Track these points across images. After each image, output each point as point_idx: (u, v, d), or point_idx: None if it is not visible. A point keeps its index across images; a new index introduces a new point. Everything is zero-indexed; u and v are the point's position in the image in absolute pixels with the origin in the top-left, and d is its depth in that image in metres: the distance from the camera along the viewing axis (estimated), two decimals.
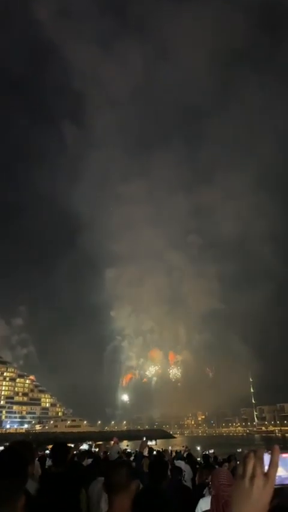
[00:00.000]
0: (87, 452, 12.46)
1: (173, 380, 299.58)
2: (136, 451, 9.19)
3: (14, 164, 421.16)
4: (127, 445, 46.45)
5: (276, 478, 1.02)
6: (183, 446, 24.53)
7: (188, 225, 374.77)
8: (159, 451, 15.06)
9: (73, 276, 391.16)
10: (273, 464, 1.03)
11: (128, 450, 18.42)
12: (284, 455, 1.10)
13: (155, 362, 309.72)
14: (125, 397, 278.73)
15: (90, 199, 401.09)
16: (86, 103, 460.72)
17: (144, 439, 7.23)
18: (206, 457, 13.35)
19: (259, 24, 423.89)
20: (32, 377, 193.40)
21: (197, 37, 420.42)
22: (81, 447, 18.54)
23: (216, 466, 11.23)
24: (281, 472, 1.07)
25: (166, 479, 4.62)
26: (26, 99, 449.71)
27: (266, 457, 1.06)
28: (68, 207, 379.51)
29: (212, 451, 21.45)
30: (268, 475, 1.01)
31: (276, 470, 1.03)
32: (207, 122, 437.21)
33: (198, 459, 14.67)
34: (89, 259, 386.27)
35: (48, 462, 10.24)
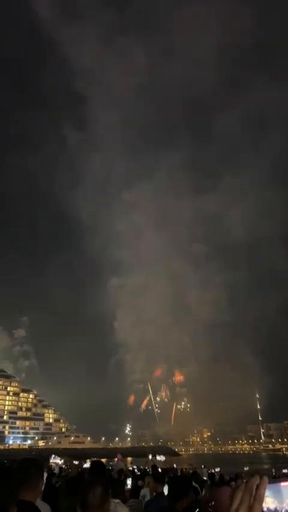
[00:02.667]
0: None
1: (179, 394, 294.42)
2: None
3: (11, 163, 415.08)
4: (131, 463, 45.81)
5: (267, 510, 0.98)
6: (190, 465, 24.17)
7: (193, 230, 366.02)
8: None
9: (75, 284, 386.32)
10: (258, 498, 0.98)
11: (132, 467, 18.20)
12: (284, 483, 1.00)
13: (160, 376, 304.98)
14: (127, 427, 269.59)
15: (93, 203, 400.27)
16: (87, 102, 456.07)
17: (150, 457, 7.25)
18: (211, 475, 13.23)
19: (268, 18, 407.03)
20: (34, 391, 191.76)
21: (203, 32, 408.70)
22: (85, 465, 18.25)
23: (224, 486, 11.12)
24: (272, 503, 1.00)
25: (187, 498, 4.50)
26: (26, 97, 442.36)
27: (270, 486, 0.99)
28: (69, 212, 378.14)
29: (218, 469, 21.13)
30: (252, 509, 0.98)
31: (260, 505, 0.98)
32: (213, 121, 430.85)
33: (204, 478, 14.49)
34: (92, 267, 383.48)
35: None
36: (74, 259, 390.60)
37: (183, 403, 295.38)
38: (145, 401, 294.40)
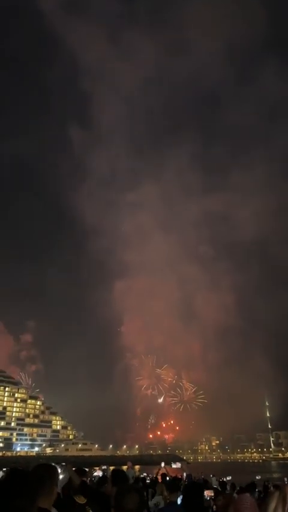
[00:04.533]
0: (106, 479, 12.26)
1: (187, 401, 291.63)
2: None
3: (14, 162, 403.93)
4: (138, 471, 45.37)
5: None
6: (201, 473, 23.87)
7: (201, 230, 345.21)
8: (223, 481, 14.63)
9: (79, 287, 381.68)
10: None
11: (143, 475, 18.04)
12: None
13: (168, 382, 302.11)
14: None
15: (97, 203, 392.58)
16: (92, 99, 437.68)
17: (163, 464, 7.21)
18: (223, 484, 13.10)
19: (278, 9, 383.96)
20: (41, 398, 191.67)
21: (212, 25, 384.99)
22: (95, 474, 18.00)
23: (234, 494, 10.99)
24: None
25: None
26: (30, 93, 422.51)
27: None
28: (74, 212, 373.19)
29: (229, 478, 20.86)
30: None
31: None
32: (222, 116, 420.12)
33: (215, 486, 14.33)
34: (97, 270, 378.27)
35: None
36: (78, 261, 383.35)
37: (192, 410, 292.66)
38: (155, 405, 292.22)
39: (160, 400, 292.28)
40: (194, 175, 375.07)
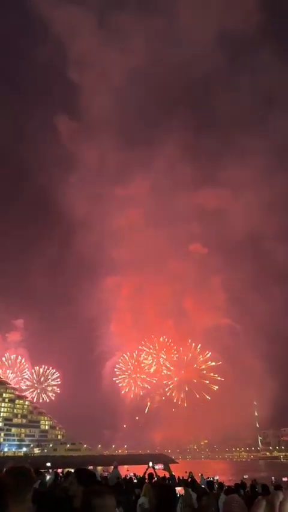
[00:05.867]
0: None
1: (176, 400, 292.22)
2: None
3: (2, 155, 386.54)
4: (127, 470, 45.21)
5: None
6: (186, 472, 23.76)
7: (192, 226, 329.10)
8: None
9: (67, 284, 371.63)
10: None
11: (129, 476, 17.83)
12: None
13: (157, 381, 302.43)
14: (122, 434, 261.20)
15: (86, 197, 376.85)
16: (80, 88, 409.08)
17: (151, 464, 7.01)
18: (210, 483, 12.96)
19: None
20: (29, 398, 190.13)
21: (204, 10, 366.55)
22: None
23: (222, 494, 10.85)
24: None
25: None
26: (13, 82, 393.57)
27: None
28: (61, 207, 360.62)
29: (217, 477, 20.78)
30: None
31: None
32: (214, 105, 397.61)
33: (203, 486, 14.18)
34: (85, 266, 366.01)
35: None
36: (65, 258, 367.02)
37: (180, 409, 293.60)
38: (142, 407, 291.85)
39: (148, 400, 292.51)
40: (185, 167, 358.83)
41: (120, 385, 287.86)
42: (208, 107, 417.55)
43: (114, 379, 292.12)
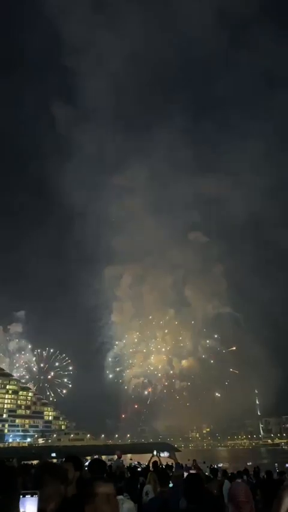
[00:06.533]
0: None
1: (178, 389, 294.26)
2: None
3: None
4: (130, 459, 45.69)
5: None
6: (188, 460, 23.97)
7: (193, 213, 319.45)
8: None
9: (67, 275, 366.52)
10: None
11: (134, 463, 17.99)
12: None
13: (159, 371, 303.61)
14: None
15: (84, 185, 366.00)
16: (76, 73, 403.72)
17: (155, 452, 7.01)
18: (214, 471, 13.04)
19: None
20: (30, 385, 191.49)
21: None
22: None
23: (226, 480, 10.91)
24: None
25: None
26: (9, 65, 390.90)
27: None
28: (59, 195, 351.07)
29: (221, 465, 20.95)
30: None
31: None
32: (214, 88, 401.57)
33: (206, 474, 14.29)
34: (85, 256, 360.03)
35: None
36: (64, 248, 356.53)
37: (182, 398, 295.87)
38: (144, 395, 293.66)
39: (150, 389, 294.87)
40: (184, 152, 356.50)
41: (122, 374, 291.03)
42: (208, 90, 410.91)
43: (116, 369, 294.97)
